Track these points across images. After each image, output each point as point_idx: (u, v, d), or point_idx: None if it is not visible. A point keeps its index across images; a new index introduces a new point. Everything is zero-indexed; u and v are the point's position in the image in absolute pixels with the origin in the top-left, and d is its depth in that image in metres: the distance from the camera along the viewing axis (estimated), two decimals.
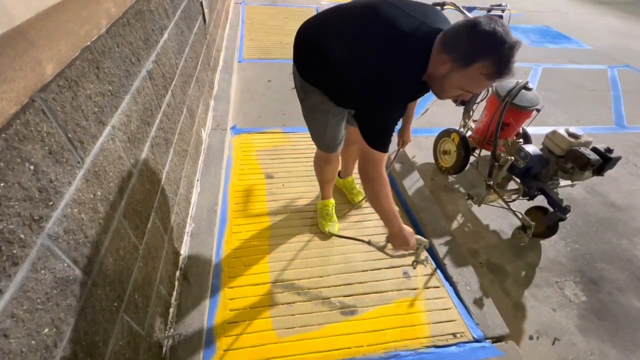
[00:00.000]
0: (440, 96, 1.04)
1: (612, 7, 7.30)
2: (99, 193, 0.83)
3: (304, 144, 2.39)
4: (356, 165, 1.50)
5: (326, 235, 1.75)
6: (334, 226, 1.76)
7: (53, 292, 0.64)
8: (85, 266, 0.75)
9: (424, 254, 1.42)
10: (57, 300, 0.65)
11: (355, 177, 1.94)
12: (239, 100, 2.89)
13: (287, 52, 3.67)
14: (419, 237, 1.30)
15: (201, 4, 2.28)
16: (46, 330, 0.62)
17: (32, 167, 0.61)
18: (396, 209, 1.18)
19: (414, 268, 1.41)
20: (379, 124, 1.03)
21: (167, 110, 1.42)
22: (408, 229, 1.22)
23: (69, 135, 0.73)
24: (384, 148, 1.05)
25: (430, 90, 1.07)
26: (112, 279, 0.88)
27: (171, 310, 1.32)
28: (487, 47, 0.86)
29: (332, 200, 1.80)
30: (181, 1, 1.76)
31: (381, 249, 1.37)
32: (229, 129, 2.41)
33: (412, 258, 1.38)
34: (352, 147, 1.70)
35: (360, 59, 1.02)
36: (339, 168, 1.81)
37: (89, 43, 0.84)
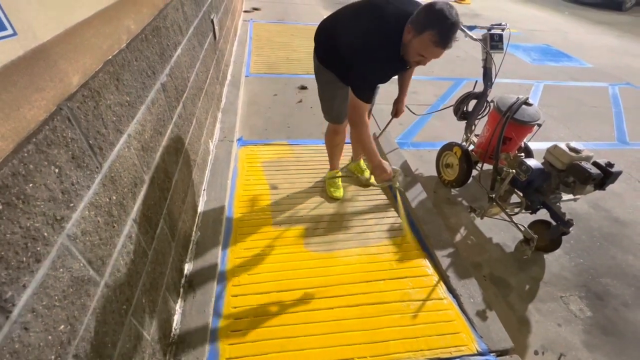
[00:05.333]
0: (409, 60, 1.34)
1: (610, 26, 7.45)
2: (114, 197, 0.86)
3: (308, 156, 2.44)
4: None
5: (330, 246, 1.77)
6: (340, 191, 2.10)
7: (69, 291, 0.67)
8: (98, 267, 0.78)
9: (399, 181, 1.63)
10: (72, 299, 0.68)
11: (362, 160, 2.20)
12: (246, 113, 2.96)
13: (293, 68, 3.79)
14: (394, 167, 1.59)
15: (212, 21, 2.39)
16: (62, 327, 0.64)
17: (57, 170, 0.65)
18: (375, 147, 1.51)
19: (394, 195, 1.64)
20: (362, 79, 1.39)
21: (178, 121, 1.47)
22: (385, 162, 1.52)
23: (90, 142, 0.77)
24: (364, 97, 1.39)
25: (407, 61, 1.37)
26: (122, 282, 0.90)
27: (175, 317, 1.33)
28: (435, 20, 1.19)
29: (338, 171, 2.13)
30: (194, 18, 1.85)
31: (367, 182, 1.89)
32: (236, 140, 2.47)
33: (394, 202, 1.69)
34: None
35: (352, 35, 1.40)
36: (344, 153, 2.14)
37: (110, 57, 0.90)
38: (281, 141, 2.59)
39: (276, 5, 6.05)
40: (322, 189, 2.16)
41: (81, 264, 0.71)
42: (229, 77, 3.18)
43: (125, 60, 0.97)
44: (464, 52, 4.94)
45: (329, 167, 2.12)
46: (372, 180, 2.10)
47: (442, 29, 1.18)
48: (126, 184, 0.94)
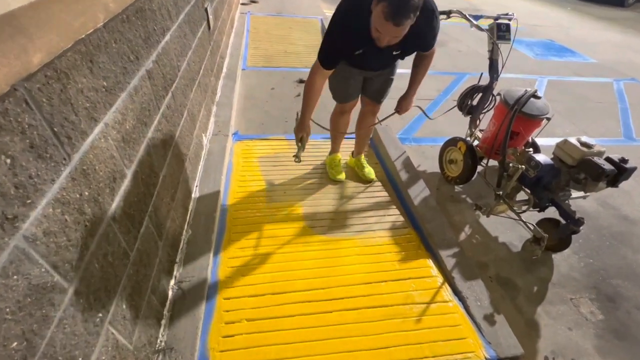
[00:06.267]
0: (374, 38, 1.30)
1: (613, 22, 7.35)
2: (87, 193, 0.77)
3: (306, 151, 2.33)
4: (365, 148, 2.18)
5: (328, 246, 1.68)
6: (342, 174, 2.11)
7: (26, 301, 0.58)
8: (66, 272, 0.69)
9: (300, 148, 1.68)
10: (30, 310, 0.59)
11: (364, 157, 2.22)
12: (242, 107, 2.86)
13: (291, 61, 3.68)
14: (309, 138, 1.66)
15: (206, 10, 2.28)
16: (15, 344, 0.55)
17: (8, 161, 0.55)
18: (310, 108, 1.57)
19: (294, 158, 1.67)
20: (325, 40, 1.43)
21: (167, 112, 1.38)
22: (309, 125, 1.61)
23: (55, 129, 0.67)
24: (323, 58, 1.44)
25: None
26: (97, 287, 0.81)
27: (163, 322, 1.24)
28: None
29: (339, 155, 2.15)
30: (185, 4, 1.74)
31: (367, 177, 2.07)
32: (231, 135, 2.37)
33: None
34: (367, 121, 2.00)
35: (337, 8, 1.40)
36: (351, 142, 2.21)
37: (83, 36, 0.80)
38: (278, 136, 2.49)
39: None
40: (321, 183, 2.07)
41: (43, 269, 0.62)
42: (224, 69, 3.07)
43: (101, 41, 0.87)
44: (466, 46, 4.83)
45: (329, 150, 2.15)
46: (372, 176, 2.15)
47: (393, 1, 1.12)
48: (102, 178, 0.85)
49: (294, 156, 1.68)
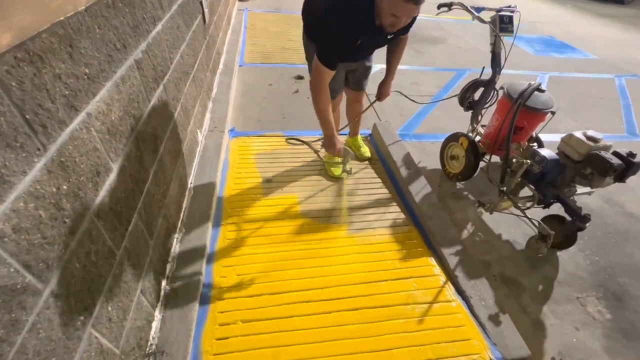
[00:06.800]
0: (383, 24, 1.29)
1: (613, 19, 7.31)
2: (65, 187, 0.71)
3: (304, 147, 2.29)
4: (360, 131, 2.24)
5: (327, 244, 1.63)
6: (340, 170, 2.02)
7: None
8: (40, 272, 0.63)
9: (350, 165, 1.66)
10: None
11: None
12: (239, 103, 2.80)
13: (289, 57, 3.62)
14: (347, 148, 1.60)
15: (201, 3, 2.22)
16: None
17: None
18: (331, 118, 1.48)
19: (343, 173, 1.65)
20: (327, 42, 1.38)
21: (158, 104, 1.32)
22: (340, 139, 1.53)
23: (27, 117, 0.62)
24: (327, 61, 1.37)
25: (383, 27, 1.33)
26: (78, 288, 0.75)
27: (154, 324, 1.18)
28: None
29: None
30: None
31: (316, 152, 1.80)
32: (227, 131, 2.31)
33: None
34: (355, 108, 2.05)
35: (325, 4, 1.37)
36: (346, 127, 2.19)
37: (62, 18, 0.74)
38: (276, 132, 2.44)
39: None
40: (319, 180, 2.02)
41: (12, 269, 0.57)
42: (221, 65, 3.01)
43: (83, 25, 0.81)
44: (466, 42, 4.78)
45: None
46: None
47: None
48: (84, 171, 0.79)
49: (343, 171, 1.70)
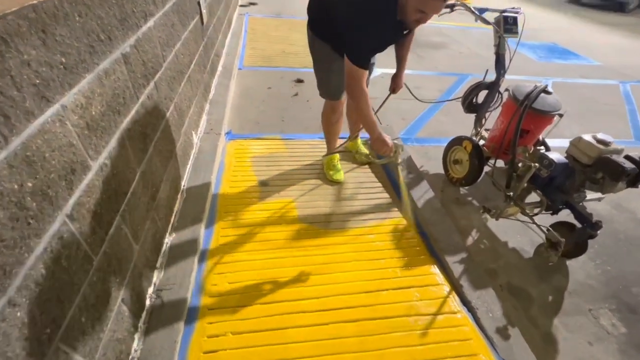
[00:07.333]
0: (408, 21, 1.26)
1: (616, 27, 7.29)
2: (30, 184, 0.65)
3: (303, 151, 2.22)
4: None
5: (324, 251, 1.55)
6: (340, 174, 2.00)
7: None
8: None
9: (400, 157, 1.55)
10: None
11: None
12: (237, 105, 2.75)
13: (290, 61, 3.59)
14: (395, 141, 1.45)
15: (198, 3, 2.19)
16: None
17: None
18: (375, 118, 1.41)
19: (393, 170, 1.58)
20: (357, 43, 1.31)
21: (148, 102, 1.26)
22: (386, 134, 1.42)
23: None
24: (360, 63, 1.31)
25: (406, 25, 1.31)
26: (45, 298, 0.68)
27: (136, 335, 1.10)
28: None
29: (337, 155, 2.03)
30: None
31: (367, 157, 1.68)
32: (224, 133, 2.25)
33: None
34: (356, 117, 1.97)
35: (346, 3, 1.33)
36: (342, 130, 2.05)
37: (34, 1, 0.68)
38: (274, 135, 2.38)
39: (274, 0, 5.88)
40: (318, 184, 1.95)
41: None
42: (220, 68, 2.97)
43: (59, 11, 0.75)
44: (467, 48, 4.75)
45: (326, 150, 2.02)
46: (372, 156, 2.09)
47: None
48: (55, 168, 0.72)
49: (392, 163, 1.62)
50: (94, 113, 0.88)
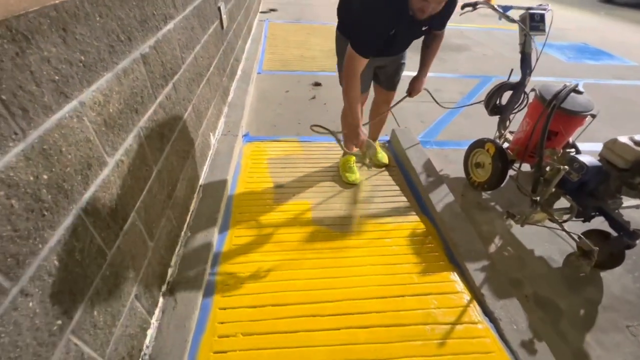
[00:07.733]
0: (412, 8, 1.24)
1: None
2: (46, 177, 0.66)
3: (319, 154, 2.21)
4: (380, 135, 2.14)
5: (338, 254, 1.52)
6: (355, 175, 1.96)
7: None
8: (10, 269, 0.57)
9: (369, 159, 1.53)
10: None
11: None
12: (255, 108, 2.78)
13: (308, 65, 3.60)
14: (370, 141, 1.46)
15: (219, 8, 2.24)
16: None
17: None
18: (359, 109, 1.42)
19: (363, 166, 1.61)
20: (359, 29, 1.33)
21: (166, 102, 1.29)
22: (364, 131, 1.44)
23: (3, 97, 0.57)
24: (360, 49, 1.32)
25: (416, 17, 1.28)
26: (57, 290, 0.69)
27: (149, 331, 1.11)
28: None
29: (353, 157, 1.99)
30: None
31: (338, 139, 1.58)
32: (241, 135, 2.28)
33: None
34: (383, 110, 1.95)
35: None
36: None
37: (56, 1, 0.70)
38: (291, 138, 2.38)
39: (293, 6, 5.96)
40: (333, 186, 1.92)
41: None
42: (239, 72, 3.02)
43: (80, 11, 0.78)
44: (491, 50, 4.60)
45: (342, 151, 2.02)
46: (385, 160, 2.12)
47: None
48: (71, 162, 0.74)
49: (363, 164, 1.67)
50: (111, 110, 0.90)
